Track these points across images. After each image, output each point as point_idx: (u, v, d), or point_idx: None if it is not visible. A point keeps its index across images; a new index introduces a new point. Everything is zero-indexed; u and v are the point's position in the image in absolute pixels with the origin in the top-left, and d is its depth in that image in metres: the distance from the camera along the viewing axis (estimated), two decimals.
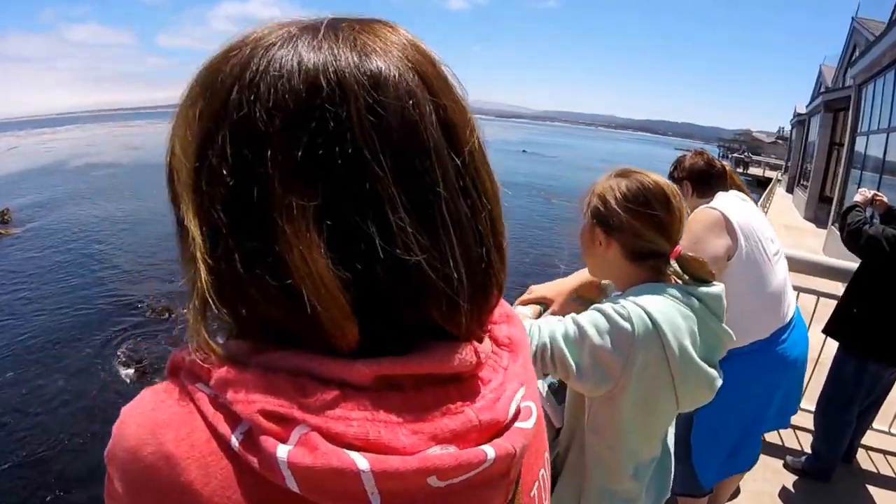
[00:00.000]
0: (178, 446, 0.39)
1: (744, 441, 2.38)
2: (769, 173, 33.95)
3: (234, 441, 0.38)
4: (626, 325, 1.18)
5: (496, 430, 0.43)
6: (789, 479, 3.11)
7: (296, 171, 0.38)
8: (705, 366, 1.24)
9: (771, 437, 3.39)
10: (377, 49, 0.42)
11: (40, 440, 7.73)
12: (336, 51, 0.40)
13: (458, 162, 0.43)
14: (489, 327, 0.51)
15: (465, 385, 0.44)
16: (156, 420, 0.41)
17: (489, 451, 0.41)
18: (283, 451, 0.36)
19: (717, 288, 1.29)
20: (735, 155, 51.44)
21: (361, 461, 0.36)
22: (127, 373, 9.46)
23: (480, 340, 0.47)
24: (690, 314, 1.24)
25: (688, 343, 1.20)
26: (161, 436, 0.40)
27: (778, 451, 3.30)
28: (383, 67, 0.41)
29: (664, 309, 1.20)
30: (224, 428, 0.39)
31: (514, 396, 0.46)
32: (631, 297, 1.23)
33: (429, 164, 0.41)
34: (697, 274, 1.28)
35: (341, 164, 0.38)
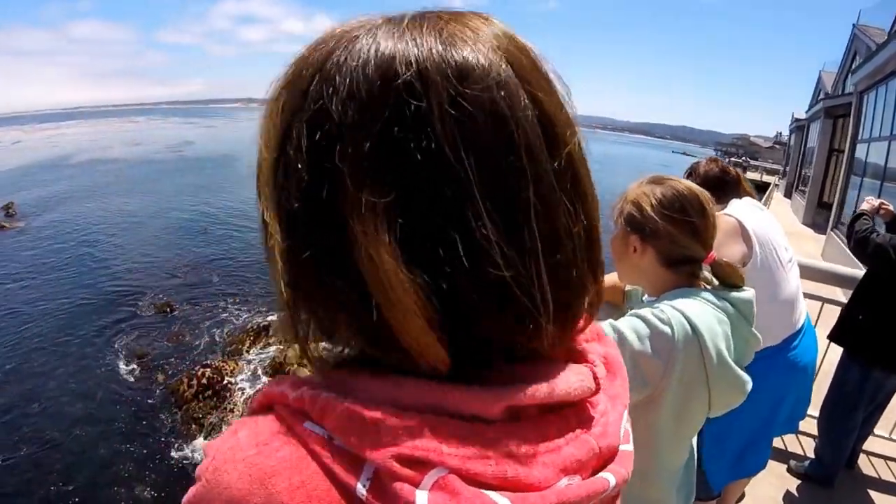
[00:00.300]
0: (293, 497, 0.35)
1: (753, 445, 2.38)
2: (767, 178, 34.01)
3: (361, 489, 0.35)
4: (667, 329, 1.18)
5: (611, 455, 0.42)
6: (793, 484, 3.14)
7: (366, 165, 0.36)
8: (739, 370, 1.25)
9: (775, 441, 3.38)
10: (465, 38, 0.38)
11: (41, 435, 7.74)
12: (418, 39, 0.37)
13: (555, 165, 0.39)
14: (582, 346, 0.47)
15: (580, 410, 0.42)
16: (263, 466, 0.36)
17: (610, 478, 0.40)
18: (422, 499, 0.33)
19: (749, 293, 1.30)
20: (733, 159, 51.51)
21: (504, 502, 0.34)
22: (128, 368, 9.47)
23: (576, 360, 0.44)
24: (725, 319, 1.25)
25: (724, 347, 1.22)
26: (271, 485, 0.35)
27: (781, 455, 3.32)
28: (470, 57, 0.37)
29: (702, 314, 1.22)
30: (346, 474, 0.35)
31: (622, 420, 0.45)
32: (669, 302, 1.24)
33: (519, 165, 0.37)
34: (729, 279, 1.30)
35: (418, 161, 0.35)
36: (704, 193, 1.32)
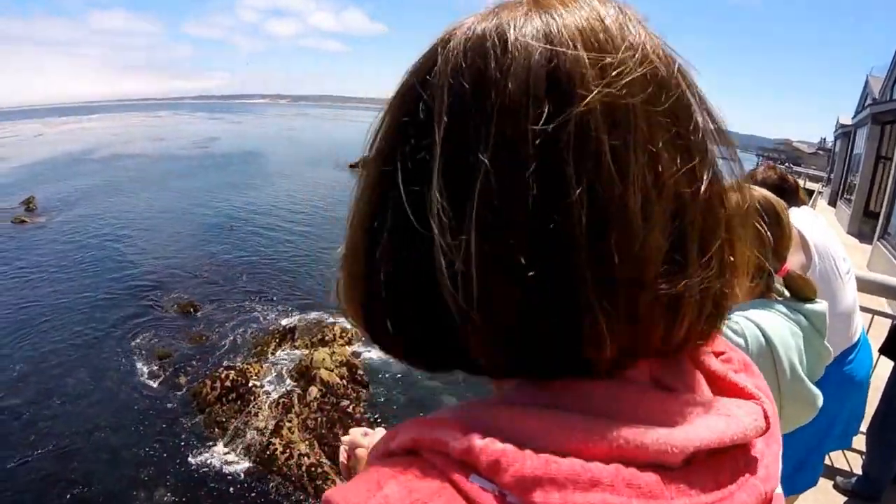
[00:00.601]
0: None
1: (806, 462, 2.33)
2: (810, 185, 33.49)
3: None
4: (740, 340, 1.18)
5: (769, 501, 0.39)
6: (839, 501, 3.13)
7: (457, 158, 0.34)
8: (811, 385, 1.25)
9: None
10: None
11: (60, 434, 7.70)
12: (520, 17, 0.36)
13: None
14: (729, 377, 0.43)
15: (745, 451, 0.39)
16: None
17: None
18: None
19: (822, 306, 1.31)
20: (777, 165, 51.51)
21: None
22: (149, 369, 9.40)
23: (735, 394, 0.42)
24: (798, 331, 1.26)
25: (797, 361, 1.22)
26: None
27: (828, 471, 3.28)
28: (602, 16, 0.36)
29: (775, 326, 1.22)
30: None
31: (778, 461, 0.43)
32: (742, 313, 1.24)
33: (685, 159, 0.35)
34: (802, 292, 1.30)
35: (516, 150, 0.33)
36: (780, 203, 1.32)
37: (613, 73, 0.33)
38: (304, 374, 8.87)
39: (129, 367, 9.43)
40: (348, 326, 10.87)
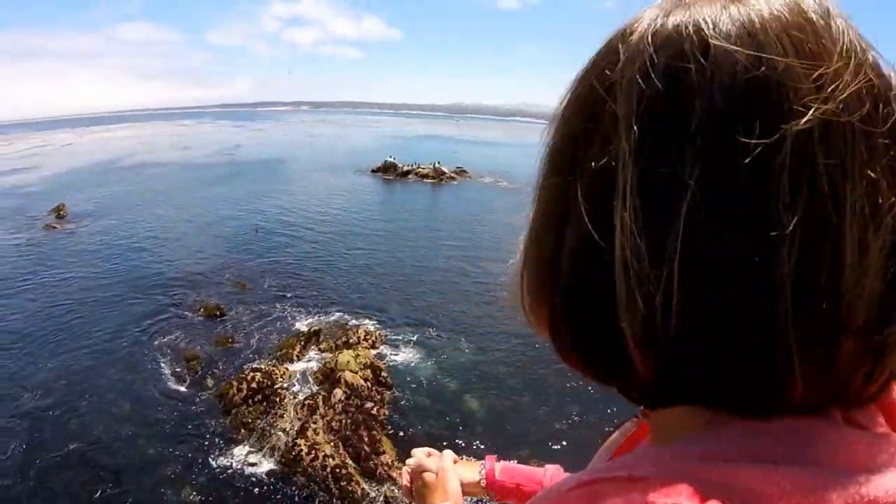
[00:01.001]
0: None
1: None
2: None
3: None
4: None
5: None
6: None
7: (653, 174, 0.31)
8: None
9: None
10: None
11: (90, 433, 7.86)
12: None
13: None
14: None
15: None
16: None
17: None
18: None
19: None
20: None
21: None
22: (177, 370, 9.53)
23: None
24: None
25: None
26: None
27: None
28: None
29: None
30: None
31: None
32: None
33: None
34: None
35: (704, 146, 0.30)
36: None
37: (830, 89, 0.29)
38: (328, 376, 8.92)
39: (158, 368, 9.58)
40: (371, 329, 10.90)
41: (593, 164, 0.34)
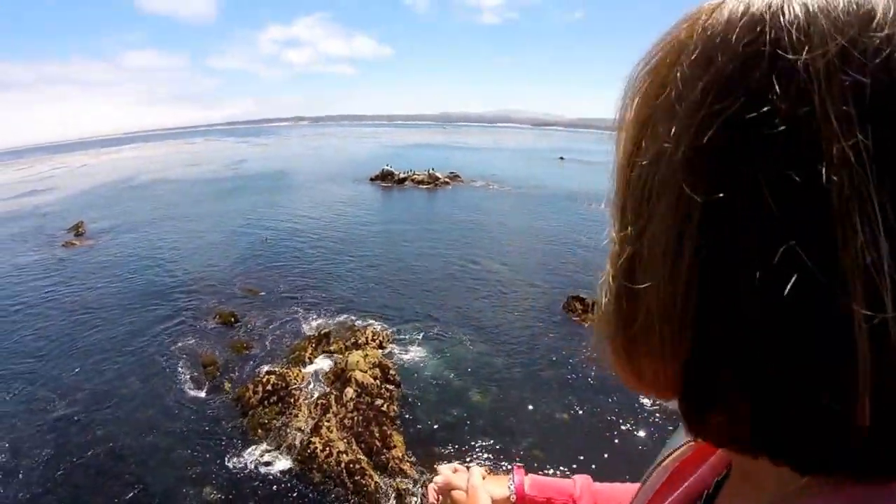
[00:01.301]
0: None
1: None
2: None
3: None
4: None
5: None
6: None
7: (702, 152, 0.29)
8: None
9: None
10: None
11: (112, 437, 8.09)
12: None
13: None
14: None
15: None
16: None
17: None
18: None
19: None
20: None
21: None
22: (196, 375, 9.78)
23: None
24: None
25: None
26: None
27: None
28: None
29: None
30: None
31: None
32: None
33: None
34: None
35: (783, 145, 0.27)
36: None
37: None
38: (339, 375, 9.11)
39: (177, 374, 9.83)
40: (379, 329, 11.09)
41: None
